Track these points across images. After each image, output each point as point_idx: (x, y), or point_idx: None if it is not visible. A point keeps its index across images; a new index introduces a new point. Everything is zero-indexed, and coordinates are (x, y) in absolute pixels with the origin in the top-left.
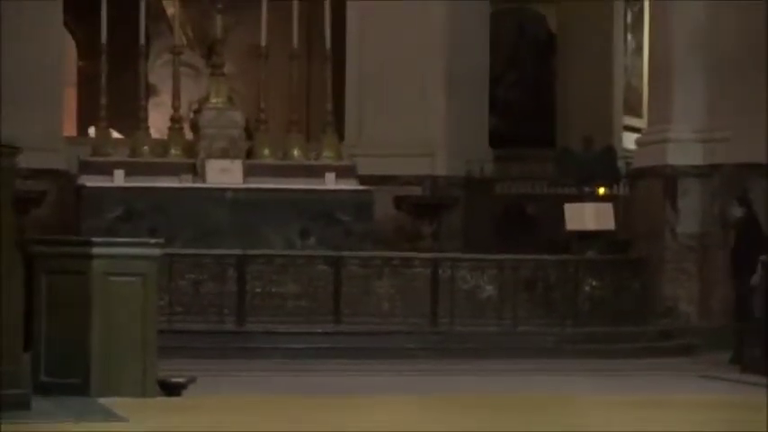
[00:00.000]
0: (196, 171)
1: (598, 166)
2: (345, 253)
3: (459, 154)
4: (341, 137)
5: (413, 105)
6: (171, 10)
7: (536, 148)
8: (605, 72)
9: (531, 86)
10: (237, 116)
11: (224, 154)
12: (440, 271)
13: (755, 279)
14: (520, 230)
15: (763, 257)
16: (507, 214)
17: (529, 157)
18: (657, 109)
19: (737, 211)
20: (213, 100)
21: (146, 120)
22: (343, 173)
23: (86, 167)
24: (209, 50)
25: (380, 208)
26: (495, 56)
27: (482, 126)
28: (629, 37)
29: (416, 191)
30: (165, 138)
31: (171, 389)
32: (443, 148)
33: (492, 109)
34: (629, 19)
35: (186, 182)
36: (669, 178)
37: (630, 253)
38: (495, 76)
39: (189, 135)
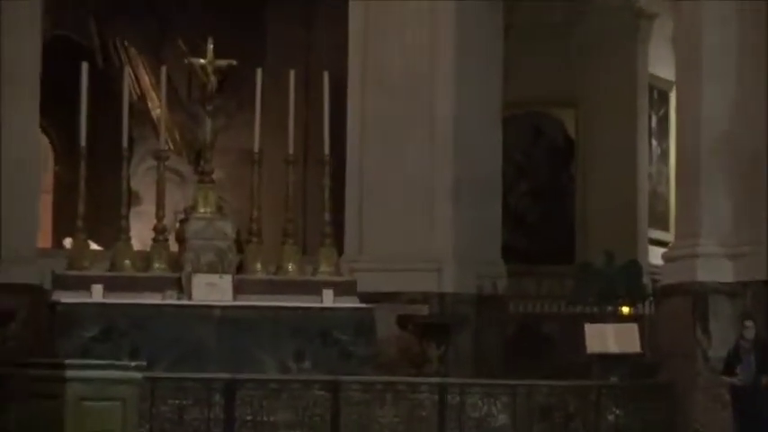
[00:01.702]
0: (181, 287)
1: (621, 282)
2: (344, 377)
3: (469, 269)
4: (340, 250)
5: (418, 215)
6: (157, 112)
7: (553, 262)
8: (629, 180)
9: (547, 195)
10: (227, 227)
11: (212, 268)
12: (448, 397)
13: None
14: (535, 353)
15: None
16: (522, 335)
17: (545, 273)
18: (685, 220)
19: (749, 333)
20: (201, 209)
21: (127, 230)
22: (342, 289)
23: (61, 282)
24: (197, 156)
25: (383, 328)
26: (508, 162)
27: (494, 238)
28: (654, 143)
29: (422, 309)
30: (148, 250)
31: None
32: (452, 262)
33: (504, 220)
34: (653, 123)
35: (170, 298)
36: (698, 296)
37: (657, 378)
38: (507, 184)
39: (174, 247)
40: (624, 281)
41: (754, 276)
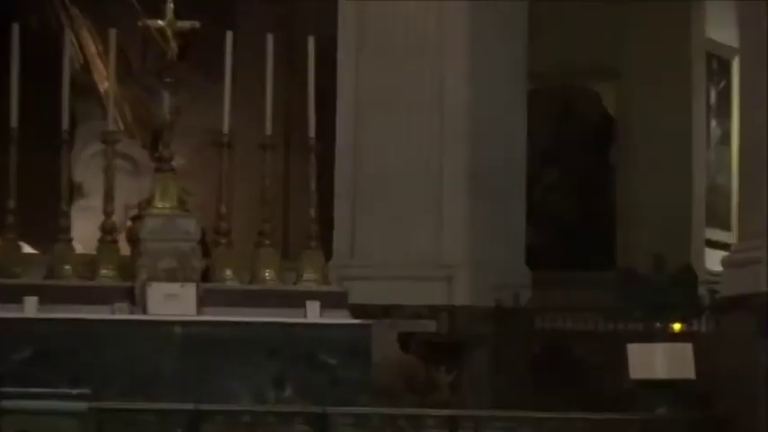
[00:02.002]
0: (134, 298)
1: (672, 293)
2: (334, 408)
3: (485, 277)
4: (328, 253)
5: (424, 212)
6: (104, 85)
7: (588, 269)
8: (681, 169)
9: (581, 187)
10: (190, 225)
11: (172, 276)
12: None
13: None
14: (566, 379)
15: None
16: (550, 357)
17: (579, 282)
18: (750, 218)
19: None
20: (158, 204)
21: (67, 230)
22: (330, 301)
23: None
24: (154, 138)
25: (380, 348)
26: (533, 148)
27: (516, 240)
28: (714, 123)
29: (429, 326)
30: (94, 253)
31: None
32: (465, 268)
33: (528, 218)
34: (712, 99)
35: (121, 312)
36: (765, 310)
37: (714, 410)
38: (531, 174)
39: (125, 250)
40: (675, 291)
41: None
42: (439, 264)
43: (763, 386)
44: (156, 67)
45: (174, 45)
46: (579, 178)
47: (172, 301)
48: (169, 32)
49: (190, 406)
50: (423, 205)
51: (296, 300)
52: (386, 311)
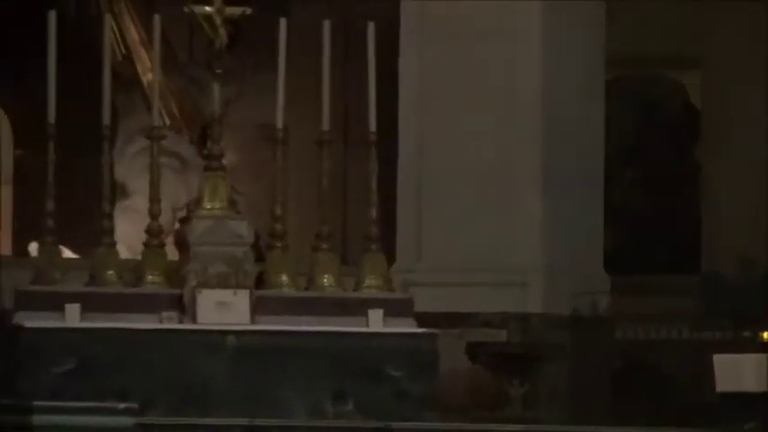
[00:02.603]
0: (183, 306)
1: (762, 299)
2: (398, 424)
3: (561, 283)
4: (391, 258)
5: (494, 213)
6: (148, 77)
7: (671, 273)
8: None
9: (664, 186)
10: (242, 227)
11: (223, 282)
12: None
13: None
14: (648, 391)
15: None
16: (630, 368)
17: (662, 288)
18: None
19: None
20: (208, 205)
21: (110, 233)
22: (393, 309)
23: (26, 300)
24: (202, 134)
25: (448, 359)
26: (611, 143)
27: (594, 242)
28: None
29: (500, 335)
30: (139, 258)
31: None
32: (539, 273)
33: (606, 219)
34: None
35: (170, 321)
36: None
37: None
38: (609, 171)
39: (173, 255)
40: (766, 297)
41: None
42: (511, 268)
43: None
44: (204, 57)
45: (222, 33)
46: (661, 177)
47: (223, 310)
48: (218, 19)
49: (244, 421)
50: (493, 204)
51: (356, 307)
52: (454, 320)
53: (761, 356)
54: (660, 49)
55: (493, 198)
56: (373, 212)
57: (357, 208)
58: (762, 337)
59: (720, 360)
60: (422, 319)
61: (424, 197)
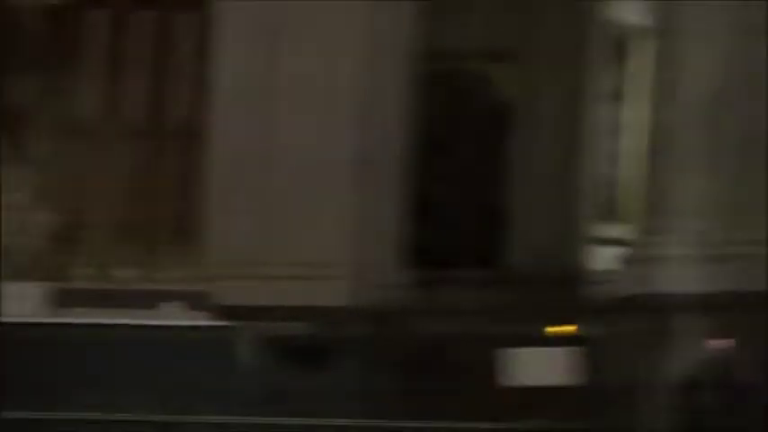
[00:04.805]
0: None
1: (561, 293)
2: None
3: (363, 276)
4: (197, 250)
5: (301, 207)
6: None
7: (473, 267)
8: (573, 159)
9: (469, 179)
10: (44, 219)
11: (23, 274)
12: None
13: None
14: (449, 385)
15: None
16: (432, 361)
17: (464, 281)
18: (649, 213)
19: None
20: (10, 196)
21: None
22: (195, 302)
23: None
24: (9, 126)
25: (246, 352)
26: (420, 136)
27: (399, 235)
28: (613, 110)
29: (300, 328)
30: None
31: None
32: (343, 267)
33: (412, 211)
34: (612, 84)
35: None
36: (662, 312)
37: (604, 418)
38: (418, 163)
39: None
40: (565, 290)
41: (740, 286)
42: (315, 262)
43: (659, 390)
44: (8, 44)
45: (31, 23)
46: (467, 169)
47: (24, 302)
48: (26, 8)
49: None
50: (300, 199)
51: (157, 299)
52: (256, 313)
53: (557, 350)
54: (474, 44)
55: (300, 191)
56: (180, 205)
57: (162, 199)
58: (559, 331)
59: (516, 354)
60: (223, 312)
61: (232, 191)
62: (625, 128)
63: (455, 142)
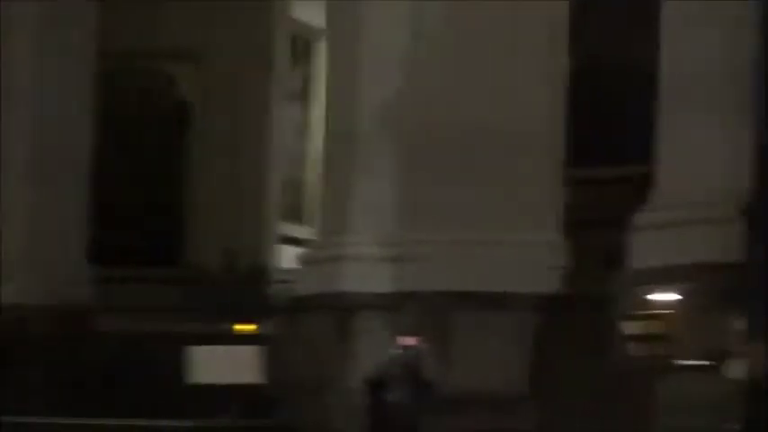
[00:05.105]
0: None
1: (242, 292)
2: None
3: (44, 273)
4: None
5: None
6: None
7: (154, 265)
8: (258, 159)
9: (151, 177)
10: None
11: None
12: None
13: None
14: (128, 383)
15: None
16: (112, 359)
17: (147, 279)
18: (331, 212)
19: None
20: None
21: None
22: None
23: None
24: None
25: None
26: (104, 133)
27: (81, 235)
28: (296, 111)
29: None
30: None
31: None
32: (20, 264)
33: (95, 210)
34: (295, 86)
35: None
36: (344, 311)
37: (281, 417)
38: (100, 162)
39: None
40: (246, 290)
41: (422, 286)
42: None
43: (338, 391)
44: None
45: None
46: (149, 166)
47: None
48: None
49: None
50: None
51: None
52: None
53: (236, 348)
54: (155, 43)
55: None
56: None
57: None
58: (239, 329)
59: (195, 352)
60: None
61: None
62: (310, 129)
63: (139, 142)
